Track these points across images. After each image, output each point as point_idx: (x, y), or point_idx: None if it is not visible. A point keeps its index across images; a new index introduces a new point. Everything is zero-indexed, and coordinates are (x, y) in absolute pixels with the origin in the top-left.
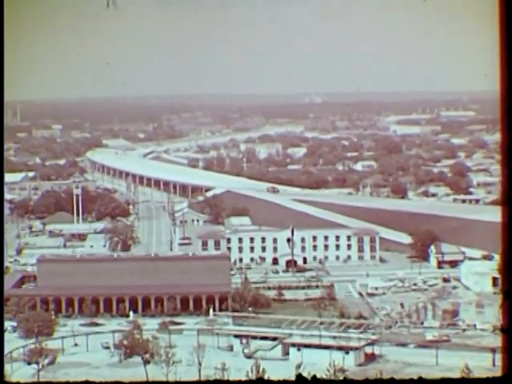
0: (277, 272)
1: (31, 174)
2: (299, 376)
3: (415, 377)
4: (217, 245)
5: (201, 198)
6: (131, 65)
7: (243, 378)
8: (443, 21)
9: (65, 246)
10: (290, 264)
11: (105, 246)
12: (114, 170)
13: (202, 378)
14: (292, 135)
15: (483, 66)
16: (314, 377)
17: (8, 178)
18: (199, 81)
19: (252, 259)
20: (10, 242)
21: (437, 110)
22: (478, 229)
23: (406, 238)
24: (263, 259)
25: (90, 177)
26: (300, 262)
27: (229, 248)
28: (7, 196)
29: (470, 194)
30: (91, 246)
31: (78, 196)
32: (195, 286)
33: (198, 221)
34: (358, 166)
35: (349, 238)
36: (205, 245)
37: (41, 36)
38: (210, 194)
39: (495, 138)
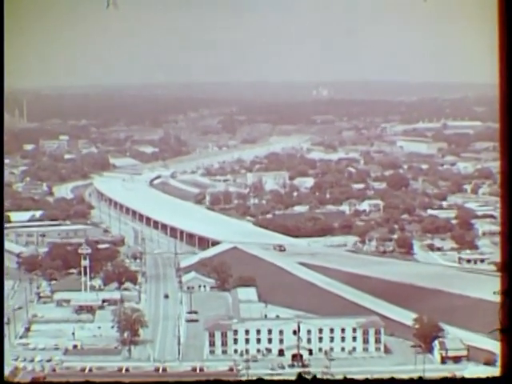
0: (283, 367)
1: (38, 214)
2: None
3: None
4: (223, 336)
5: (207, 255)
6: (135, 55)
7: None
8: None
9: (73, 334)
10: (296, 358)
11: (113, 327)
12: (121, 206)
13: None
14: (299, 155)
15: (485, 58)
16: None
17: (16, 217)
18: (204, 70)
19: (258, 350)
20: (18, 313)
21: (443, 119)
22: (483, 311)
23: (410, 318)
24: (269, 350)
25: (98, 212)
26: (306, 354)
27: (235, 339)
28: (15, 247)
29: (476, 247)
30: (99, 327)
31: (85, 268)
32: None
33: (204, 287)
34: (365, 205)
35: (354, 329)
36: (212, 336)
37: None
38: (216, 249)
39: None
